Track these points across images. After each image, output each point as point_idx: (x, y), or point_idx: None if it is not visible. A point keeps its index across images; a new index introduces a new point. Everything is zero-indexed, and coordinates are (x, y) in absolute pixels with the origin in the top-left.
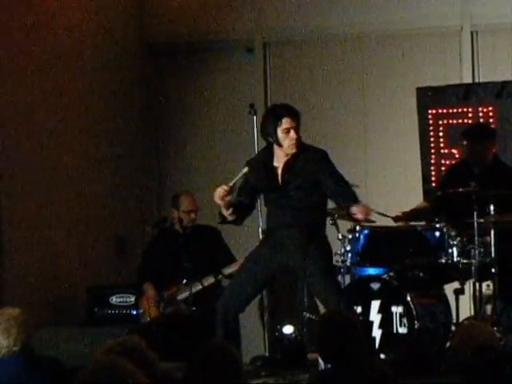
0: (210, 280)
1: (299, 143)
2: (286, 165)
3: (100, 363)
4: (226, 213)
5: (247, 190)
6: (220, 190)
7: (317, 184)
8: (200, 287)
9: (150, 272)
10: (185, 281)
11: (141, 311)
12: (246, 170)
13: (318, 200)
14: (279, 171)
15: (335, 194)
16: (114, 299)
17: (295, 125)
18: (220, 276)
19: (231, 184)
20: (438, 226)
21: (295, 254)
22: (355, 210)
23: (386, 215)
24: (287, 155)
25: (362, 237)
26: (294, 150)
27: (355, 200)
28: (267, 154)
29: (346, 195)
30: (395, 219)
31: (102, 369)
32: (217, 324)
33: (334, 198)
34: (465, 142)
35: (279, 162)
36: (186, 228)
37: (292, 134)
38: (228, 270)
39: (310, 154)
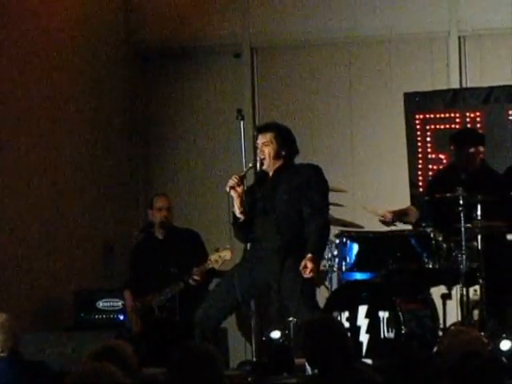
0: (180, 285)
1: (270, 159)
2: (276, 173)
3: (86, 367)
4: (238, 209)
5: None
6: (231, 180)
7: (300, 198)
8: (172, 293)
9: (130, 279)
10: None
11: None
12: (251, 164)
13: (300, 213)
14: (269, 180)
15: (306, 226)
16: (101, 304)
17: (266, 140)
18: (188, 280)
19: (242, 174)
20: (425, 231)
21: (271, 270)
22: (304, 264)
23: (373, 212)
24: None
25: (349, 242)
26: (264, 166)
27: (312, 250)
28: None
29: (310, 237)
30: (382, 222)
31: (88, 373)
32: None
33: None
34: (452, 147)
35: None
36: (165, 232)
37: (261, 149)
38: (196, 274)
39: (300, 168)
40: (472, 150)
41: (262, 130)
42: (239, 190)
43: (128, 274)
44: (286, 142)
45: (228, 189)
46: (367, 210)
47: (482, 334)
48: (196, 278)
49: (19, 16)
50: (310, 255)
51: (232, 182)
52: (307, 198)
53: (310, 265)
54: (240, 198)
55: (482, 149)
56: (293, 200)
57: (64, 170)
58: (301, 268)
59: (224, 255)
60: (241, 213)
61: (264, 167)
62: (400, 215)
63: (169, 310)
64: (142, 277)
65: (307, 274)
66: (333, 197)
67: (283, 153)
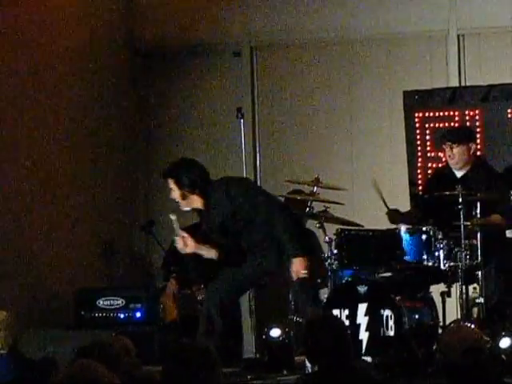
0: None
1: (183, 201)
2: (203, 219)
3: (73, 366)
4: (215, 256)
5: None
6: (179, 245)
7: (250, 219)
8: None
9: (176, 269)
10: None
11: (161, 309)
12: (174, 217)
13: (263, 231)
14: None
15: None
16: (102, 302)
17: (172, 185)
18: None
19: (180, 234)
20: (424, 228)
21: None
22: (293, 268)
23: (385, 204)
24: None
25: (348, 240)
26: (183, 208)
27: (291, 253)
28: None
29: (282, 241)
30: (391, 216)
31: (76, 372)
32: (203, 321)
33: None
34: (444, 145)
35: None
36: None
37: (171, 194)
38: None
39: (215, 195)
40: (462, 147)
41: (165, 174)
42: (194, 245)
43: (166, 263)
44: (186, 180)
45: (183, 251)
46: (376, 187)
47: (482, 331)
48: None
49: (18, 14)
50: (292, 260)
51: (182, 246)
52: (249, 210)
53: (295, 268)
54: (206, 249)
55: (473, 145)
56: (239, 218)
57: (64, 169)
58: (293, 276)
59: None
60: (218, 256)
61: (185, 209)
62: (405, 216)
63: None
64: (186, 269)
65: (301, 275)
66: (332, 195)
67: (190, 190)
